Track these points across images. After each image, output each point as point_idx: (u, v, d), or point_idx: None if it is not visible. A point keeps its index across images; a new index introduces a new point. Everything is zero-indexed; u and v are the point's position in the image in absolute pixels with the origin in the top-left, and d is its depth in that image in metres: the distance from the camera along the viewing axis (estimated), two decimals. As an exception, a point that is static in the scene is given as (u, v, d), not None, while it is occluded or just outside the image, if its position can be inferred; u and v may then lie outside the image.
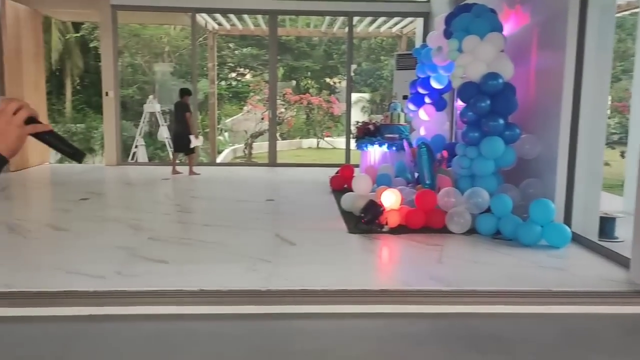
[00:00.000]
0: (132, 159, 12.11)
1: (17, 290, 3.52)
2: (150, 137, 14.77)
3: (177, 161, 9.55)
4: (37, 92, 10.01)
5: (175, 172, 9.08)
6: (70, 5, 10.24)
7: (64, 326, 3.21)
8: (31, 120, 1.13)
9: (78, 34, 17.99)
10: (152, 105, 12.82)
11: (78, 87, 18.82)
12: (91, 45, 17.91)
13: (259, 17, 11.95)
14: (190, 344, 3.07)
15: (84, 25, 17.73)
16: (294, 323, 3.35)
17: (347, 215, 5.82)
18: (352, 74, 11.18)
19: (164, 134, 12.65)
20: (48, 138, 1.16)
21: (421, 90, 7.20)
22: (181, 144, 9.11)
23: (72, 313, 3.32)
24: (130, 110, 16.39)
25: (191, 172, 9.02)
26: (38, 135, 1.15)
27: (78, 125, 17.43)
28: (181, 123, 8.99)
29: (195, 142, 9.31)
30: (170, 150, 12.38)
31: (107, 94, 9.88)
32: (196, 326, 3.29)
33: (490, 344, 3.11)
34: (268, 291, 3.64)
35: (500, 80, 5.30)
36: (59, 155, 16.34)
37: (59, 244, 4.90)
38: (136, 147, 12.51)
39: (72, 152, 1.17)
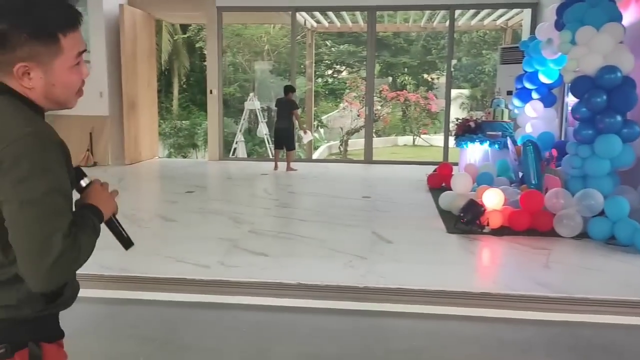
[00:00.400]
0: (233, 154, 12.60)
1: (133, 275, 3.79)
2: (249, 133, 15.28)
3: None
4: (150, 90, 10.71)
5: (276, 167, 9.32)
6: (180, 9, 10.84)
7: (172, 310, 3.41)
8: None
9: (185, 35, 19.01)
10: (252, 103, 13.25)
11: (184, 86, 19.90)
12: (197, 45, 18.86)
13: (357, 13, 11.95)
14: (289, 335, 3.14)
15: (190, 27, 18.70)
16: (390, 321, 3.32)
17: (445, 214, 5.67)
18: (452, 69, 10.87)
19: (263, 130, 13.03)
20: (117, 221, 1.37)
21: (528, 85, 6.85)
22: (285, 140, 9.23)
23: (180, 299, 3.52)
24: (231, 108, 17.06)
25: (289, 168, 9.23)
26: (111, 218, 1.36)
27: (183, 121, 18.46)
28: (287, 120, 9.08)
29: (307, 137, 9.45)
30: (270, 146, 12.73)
31: (211, 92, 10.35)
32: (294, 319, 3.36)
33: (603, 356, 2.90)
34: (365, 288, 3.63)
35: (619, 74, 4.90)
36: (166, 150, 17.44)
37: (168, 233, 5.21)
38: (236, 143, 13.00)
39: (126, 238, 1.38)
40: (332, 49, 20.21)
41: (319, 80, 19.45)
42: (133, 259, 4.29)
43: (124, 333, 3.10)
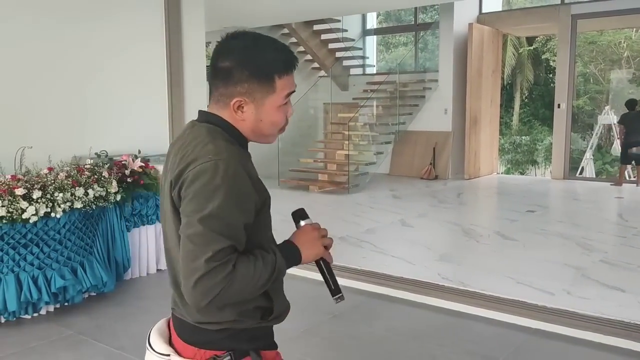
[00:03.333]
0: (580, 173, 11.52)
1: (472, 290, 3.79)
2: (599, 150, 13.73)
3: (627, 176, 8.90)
4: (492, 107, 10.69)
5: (621, 184, 8.92)
6: (529, 22, 10.52)
7: (512, 333, 3.27)
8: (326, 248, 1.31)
9: (530, 47, 18.31)
10: (607, 117, 11.87)
11: (526, 100, 19.17)
12: (542, 57, 17.95)
13: None
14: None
15: (537, 38, 17.91)
16: None
17: None
18: None
19: (617, 147, 11.52)
20: (325, 268, 1.31)
21: None
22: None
23: (520, 323, 3.35)
24: (578, 122, 15.65)
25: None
26: (319, 262, 1.30)
27: (523, 137, 17.78)
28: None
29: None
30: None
31: (559, 106, 9.69)
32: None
33: None
34: None
35: None
36: (504, 166, 17.06)
37: (507, 252, 5.06)
38: (585, 160, 11.84)
39: (334, 290, 1.30)
40: None
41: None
42: (471, 273, 4.32)
43: (464, 347, 3.11)
